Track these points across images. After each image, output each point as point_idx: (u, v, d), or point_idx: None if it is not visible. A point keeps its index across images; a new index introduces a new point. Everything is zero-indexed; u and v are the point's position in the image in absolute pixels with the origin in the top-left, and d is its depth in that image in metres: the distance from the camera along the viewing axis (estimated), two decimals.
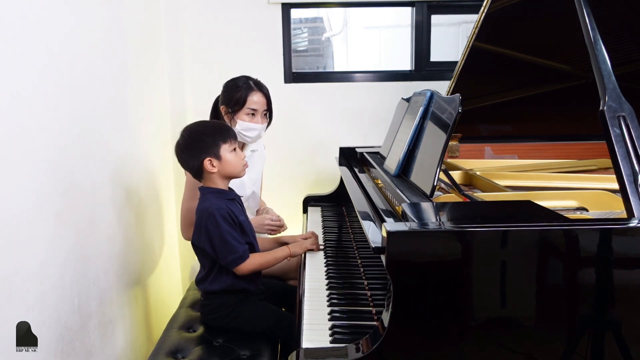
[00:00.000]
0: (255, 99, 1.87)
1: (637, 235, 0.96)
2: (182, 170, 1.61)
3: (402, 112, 1.79)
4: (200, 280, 1.56)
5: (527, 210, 1.08)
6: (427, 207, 1.12)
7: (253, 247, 1.55)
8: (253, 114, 1.87)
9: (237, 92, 1.86)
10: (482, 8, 1.74)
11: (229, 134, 1.51)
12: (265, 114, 1.93)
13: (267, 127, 1.98)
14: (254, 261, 1.50)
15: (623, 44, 1.60)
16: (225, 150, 1.49)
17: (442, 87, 1.96)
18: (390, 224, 0.96)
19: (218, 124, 1.56)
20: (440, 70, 2.68)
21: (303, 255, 1.67)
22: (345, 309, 1.28)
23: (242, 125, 1.85)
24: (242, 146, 1.94)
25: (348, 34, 4.73)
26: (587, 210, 1.33)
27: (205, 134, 1.48)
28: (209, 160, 1.47)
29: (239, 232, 1.49)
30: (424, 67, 2.73)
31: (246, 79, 1.90)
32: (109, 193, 1.60)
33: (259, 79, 1.93)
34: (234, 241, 1.46)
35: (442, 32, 3.39)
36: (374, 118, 2.63)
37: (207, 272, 1.53)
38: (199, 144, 1.47)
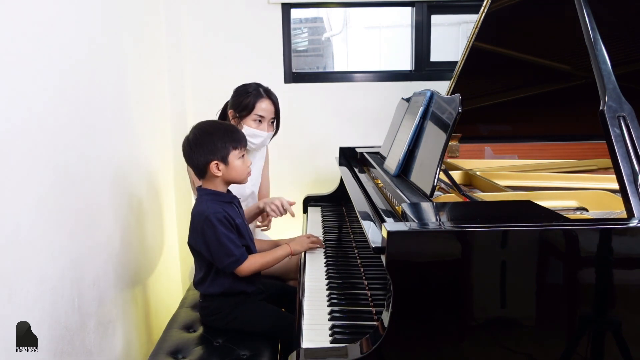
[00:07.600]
0: (263, 106, 1.89)
1: (637, 235, 0.96)
2: (182, 171, 1.61)
3: (402, 112, 1.79)
4: (198, 283, 1.55)
5: (527, 210, 1.08)
6: (427, 207, 1.12)
7: (250, 250, 1.54)
8: (260, 121, 1.90)
9: (246, 98, 1.88)
10: (482, 8, 1.74)
11: (240, 140, 1.49)
12: (273, 122, 1.95)
13: (273, 136, 1.99)
14: (254, 261, 1.50)
15: (623, 44, 1.60)
16: (234, 156, 1.47)
17: (442, 87, 1.96)
18: (390, 224, 0.96)
19: (232, 127, 1.53)
20: (440, 70, 2.69)
21: (303, 255, 1.66)
22: (345, 309, 1.28)
23: (248, 131, 1.86)
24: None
25: (348, 34, 4.73)
26: (587, 210, 1.33)
27: (218, 136, 1.46)
28: (216, 163, 1.46)
29: (236, 234, 1.48)
30: (424, 67, 2.73)
31: (257, 85, 1.92)
32: (108, 193, 1.60)
33: (269, 88, 1.94)
34: (230, 244, 1.45)
35: (442, 32, 3.39)
36: (374, 118, 2.63)
37: (205, 275, 1.52)
38: (209, 145, 1.45)
